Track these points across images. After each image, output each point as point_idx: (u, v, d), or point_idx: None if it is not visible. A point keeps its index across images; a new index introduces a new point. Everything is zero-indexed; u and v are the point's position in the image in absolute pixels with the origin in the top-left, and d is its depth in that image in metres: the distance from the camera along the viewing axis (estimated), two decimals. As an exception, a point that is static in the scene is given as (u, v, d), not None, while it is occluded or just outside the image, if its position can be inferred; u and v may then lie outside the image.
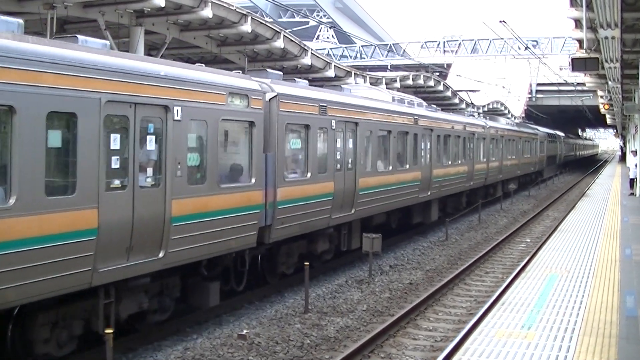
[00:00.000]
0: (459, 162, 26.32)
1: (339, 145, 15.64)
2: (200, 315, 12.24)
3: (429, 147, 22.48)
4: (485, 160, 30.80)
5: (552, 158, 55.55)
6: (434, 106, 26.60)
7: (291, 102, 13.62)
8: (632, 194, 30.73)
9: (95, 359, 9.50)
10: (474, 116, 33.45)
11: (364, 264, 17.02)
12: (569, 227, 19.57)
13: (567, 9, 20.26)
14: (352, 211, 16.21)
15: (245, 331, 11.25)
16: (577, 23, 20.82)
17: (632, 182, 31.65)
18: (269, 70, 14.66)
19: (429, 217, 23.36)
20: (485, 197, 32.52)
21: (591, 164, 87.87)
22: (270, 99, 12.93)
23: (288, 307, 13.24)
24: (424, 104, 24.11)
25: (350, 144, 16.25)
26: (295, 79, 16.24)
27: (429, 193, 22.08)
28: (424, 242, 21.76)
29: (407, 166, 20.25)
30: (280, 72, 14.94)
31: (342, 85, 21.03)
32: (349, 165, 16.15)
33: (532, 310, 10.05)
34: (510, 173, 37.82)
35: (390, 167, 18.82)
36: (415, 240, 22.12)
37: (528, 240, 22.98)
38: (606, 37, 17.95)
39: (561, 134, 67.12)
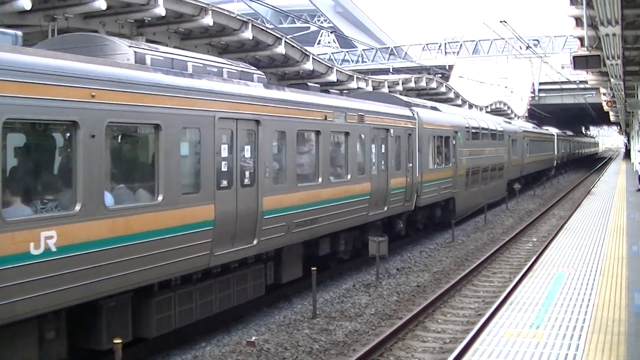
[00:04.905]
0: None
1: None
2: (209, 323, 12.24)
3: None
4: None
5: (494, 172, 30.51)
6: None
7: None
8: (639, 189, 30.64)
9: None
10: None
11: (371, 267, 17.00)
12: (575, 226, 19.54)
13: (567, 7, 20.32)
14: None
15: (254, 338, 11.26)
16: (578, 21, 20.86)
17: None
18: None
19: None
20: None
21: (587, 168, 72.33)
22: None
23: (296, 313, 13.24)
24: None
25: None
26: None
27: None
28: (431, 244, 21.74)
29: None
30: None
31: None
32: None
33: (540, 309, 10.03)
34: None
35: None
36: (421, 242, 22.09)
37: (534, 239, 22.94)
38: (607, 35, 17.94)
39: (524, 125, 44.50)
